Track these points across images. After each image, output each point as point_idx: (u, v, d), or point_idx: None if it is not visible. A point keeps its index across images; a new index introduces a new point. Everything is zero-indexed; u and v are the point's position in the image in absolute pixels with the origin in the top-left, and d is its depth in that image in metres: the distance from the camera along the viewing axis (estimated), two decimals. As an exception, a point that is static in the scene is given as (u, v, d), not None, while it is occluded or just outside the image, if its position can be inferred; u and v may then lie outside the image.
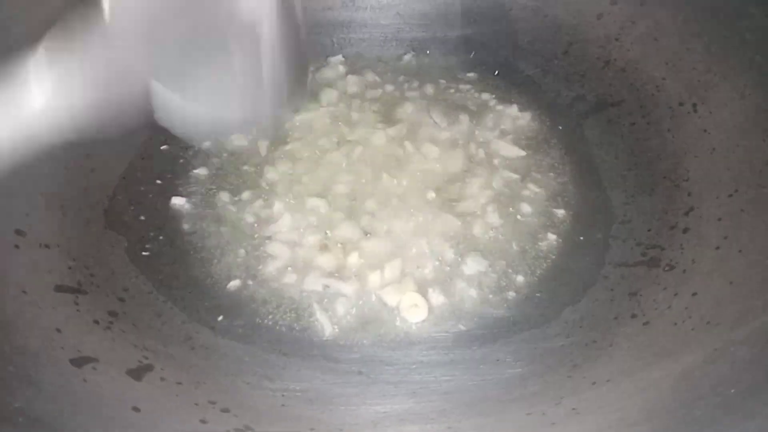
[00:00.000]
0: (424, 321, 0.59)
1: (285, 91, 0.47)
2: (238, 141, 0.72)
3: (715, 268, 0.56)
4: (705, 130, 0.66)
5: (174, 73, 0.39)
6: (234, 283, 0.60)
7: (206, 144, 0.71)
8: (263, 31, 0.43)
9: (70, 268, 0.57)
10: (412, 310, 0.59)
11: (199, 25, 0.41)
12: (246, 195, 0.67)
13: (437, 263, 0.62)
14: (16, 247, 0.56)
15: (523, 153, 0.71)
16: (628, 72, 0.74)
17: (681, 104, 0.69)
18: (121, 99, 0.36)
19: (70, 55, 0.34)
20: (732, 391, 0.43)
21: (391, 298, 0.59)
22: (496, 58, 0.80)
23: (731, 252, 0.56)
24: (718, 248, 0.57)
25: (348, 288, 0.60)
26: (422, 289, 0.60)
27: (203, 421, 0.48)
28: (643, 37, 0.74)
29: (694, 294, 0.55)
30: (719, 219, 0.60)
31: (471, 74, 0.79)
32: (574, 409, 0.49)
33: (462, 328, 0.58)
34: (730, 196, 0.60)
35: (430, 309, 0.59)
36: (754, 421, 0.39)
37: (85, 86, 0.34)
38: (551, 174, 0.70)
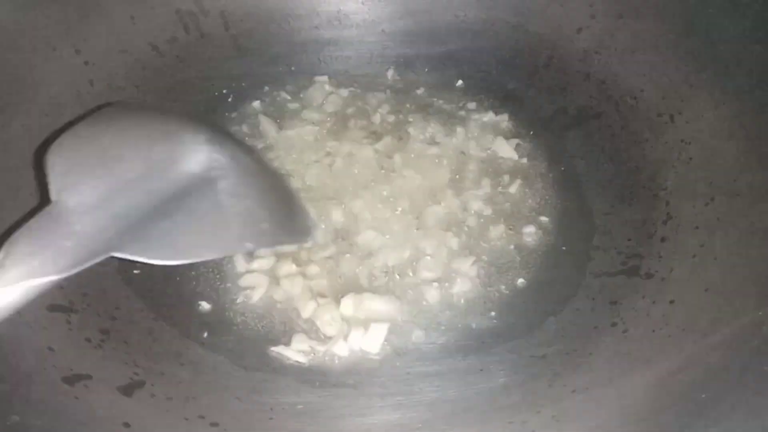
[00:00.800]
0: (410, 333, 0.60)
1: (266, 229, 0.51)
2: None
3: (691, 276, 0.57)
4: (682, 140, 0.67)
5: (139, 237, 0.43)
6: (223, 300, 0.62)
7: None
8: (222, 184, 0.49)
9: (62, 287, 0.58)
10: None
11: (157, 189, 0.46)
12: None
13: (423, 276, 0.63)
14: (10, 268, 0.58)
15: (510, 172, 0.72)
16: (608, 84, 0.76)
17: (659, 115, 0.71)
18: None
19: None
20: (703, 396, 0.44)
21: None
22: (479, 72, 0.81)
23: (707, 260, 0.57)
24: (694, 256, 0.59)
25: (334, 302, 0.61)
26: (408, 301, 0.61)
27: (192, 436, 0.50)
28: (622, 49, 0.75)
29: (672, 302, 0.56)
30: (696, 227, 0.61)
31: (455, 89, 0.80)
32: (553, 417, 0.50)
33: (448, 339, 0.59)
34: (707, 204, 0.62)
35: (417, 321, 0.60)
36: (719, 427, 0.40)
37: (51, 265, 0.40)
38: (534, 186, 0.71)
